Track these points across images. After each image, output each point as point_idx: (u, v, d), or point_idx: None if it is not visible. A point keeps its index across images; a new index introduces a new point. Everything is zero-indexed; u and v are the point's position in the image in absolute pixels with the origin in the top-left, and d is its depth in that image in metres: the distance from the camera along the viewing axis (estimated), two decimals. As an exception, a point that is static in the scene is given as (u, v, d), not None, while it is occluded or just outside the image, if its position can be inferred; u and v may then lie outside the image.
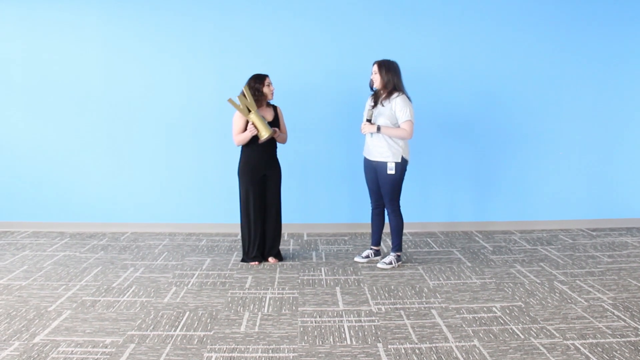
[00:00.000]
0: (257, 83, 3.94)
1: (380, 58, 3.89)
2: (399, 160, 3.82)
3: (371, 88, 3.97)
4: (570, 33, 4.98)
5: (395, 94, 3.79)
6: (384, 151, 3.83)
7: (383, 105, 3.82)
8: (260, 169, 3.99)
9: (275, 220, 4.08)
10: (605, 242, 4.70)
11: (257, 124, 3.83)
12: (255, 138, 3.91)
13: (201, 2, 4.82)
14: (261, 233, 4.08)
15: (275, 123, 4.02)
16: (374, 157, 3.89)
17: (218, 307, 3.22)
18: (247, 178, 3.98)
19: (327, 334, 2.85)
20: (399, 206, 3.95)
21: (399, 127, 3.80)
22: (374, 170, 3.95)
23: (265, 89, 3.95)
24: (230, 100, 3.84)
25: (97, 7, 4.81)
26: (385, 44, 4.82)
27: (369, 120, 3.84)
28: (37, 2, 4.82)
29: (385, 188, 3.90)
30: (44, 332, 2.85)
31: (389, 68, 3.80)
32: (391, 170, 3.82)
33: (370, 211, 4.16)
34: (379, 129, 3.78)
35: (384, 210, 4.10)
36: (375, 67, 3.83)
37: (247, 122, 3.88)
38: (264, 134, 3.82)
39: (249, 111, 3.83)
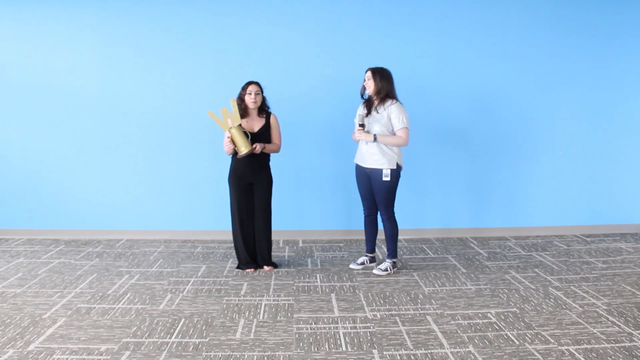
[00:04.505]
0: (241, 91, 3.94)
1: (374, 65, 3.92)
2: (394, 167, 3.83)
3: (362, 95, 3.99)
4: (565, 39, 5.02)
5: (389, 101, 3.82)
6: (378, 158, 3.83)
7: (378, 112, 3.83)
8: (246, 177, 3.96)
9: (264, 229, 4.05)
10: (599, 248, 4.72)
11: (236, 140, 3.79)
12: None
13: (196, 10, 4.83)
14: (251, 240, 4.07)
15: (264, 133, 3.95)
16: (368, 164, 3.89)
17: (213, 314, 3.22)
18: (234, 186, 3.98)
19: (322, 341, 2.85)
20: (393, 212, 3.96)
21: (394, 134, 3.83)
22: (367, 177, 3.95)
23: (246, 98, 3.91)
24: (210, 113, 3.82)
25: (92, 14, 4.82)
26: (378, 52, 4.85)
27: (362, 126, 3.83)
28: (32, 8, 4.83)
29: (380, 195, 3.90)
30: (39, 340, 2.84)
31: (382, 75, 3.82)
32: (386, 177, 3.82)
33: (362, 218, 4.17)
34: (375, 138, 3.79)
35: (376, 217, 4.11)
36: (369, 74, 3.84)
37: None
38: (242, 150, 3.79)
39: (233, 125, 3.78)
